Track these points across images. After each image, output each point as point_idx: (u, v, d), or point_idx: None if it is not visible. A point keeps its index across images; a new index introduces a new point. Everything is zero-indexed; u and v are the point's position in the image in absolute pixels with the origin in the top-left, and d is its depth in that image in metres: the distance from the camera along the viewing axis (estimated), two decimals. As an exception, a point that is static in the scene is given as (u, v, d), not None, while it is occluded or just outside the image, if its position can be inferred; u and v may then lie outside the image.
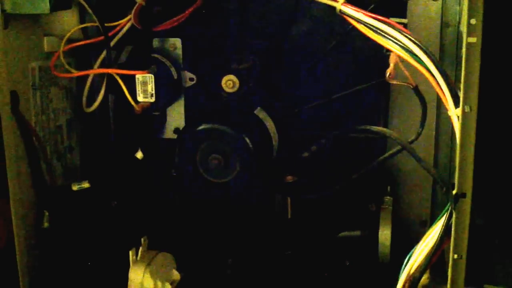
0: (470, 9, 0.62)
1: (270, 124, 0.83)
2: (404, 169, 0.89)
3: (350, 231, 0.85)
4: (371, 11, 0.73)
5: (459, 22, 0.83)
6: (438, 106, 0.85)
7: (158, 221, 0.92)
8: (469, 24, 0.61)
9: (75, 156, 0.95)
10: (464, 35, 0.62)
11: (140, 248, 0.82)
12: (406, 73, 0.70)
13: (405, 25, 0.73)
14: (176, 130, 0.89)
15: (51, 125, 0.90)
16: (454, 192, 0.65)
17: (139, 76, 0.82)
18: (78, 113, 0.94)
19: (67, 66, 0.86)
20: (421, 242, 0.68)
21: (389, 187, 0.86)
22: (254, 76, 0.83)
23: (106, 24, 0.85)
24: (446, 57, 0.83)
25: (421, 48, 0.67)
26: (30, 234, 0.84)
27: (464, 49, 0.62)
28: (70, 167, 0.94)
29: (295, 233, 0.88)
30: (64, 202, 0.87)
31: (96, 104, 0.88)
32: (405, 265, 0.69)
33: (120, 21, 0.84)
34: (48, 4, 0.77)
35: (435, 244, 0.67)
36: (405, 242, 0.74)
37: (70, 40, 0.87)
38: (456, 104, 0.65)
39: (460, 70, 0.63)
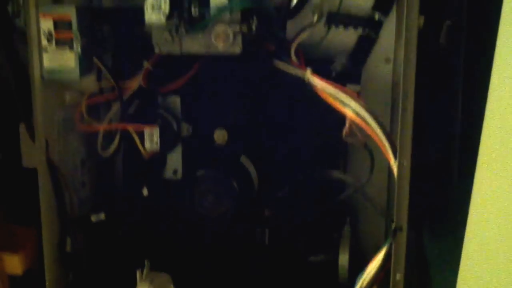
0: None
1: (252, 170, 0.99)
2: (361, 203, 1.03)
3: (316, 256, 1.00)
4: (332, 79, 0.88)
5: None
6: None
7: (159, 247, 1.05)
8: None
9: (87, 190, 1.08)
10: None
11: (145, 269, 0.94)
12: (358, 133, 0.86)
13: (358, 93, 0.89)
14: (175, 172, 1.05)
15: (70, 164, 1.04)
16: (393, 226, 0.82)
17: (147, 129, 0.99)
18: (90, 154, 1.07)
19: (88, 120, 1.00)
20: (369, 264, 0.84)
21: (348, 219, 1.00)
22: (241, 131, 0.99)
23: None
24: (396, 114, 0.93)
25: (369, 114, 0.83)
26: (56, 256, 0.98)
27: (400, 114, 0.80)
28: (83, 199, 1.07)
29: (272, 258, 1.03)
30: (84, 230, 1.02)
31: (111, 151, 1.01)
32: (357, 283, 0.84)
33: (131, 81, 0.99)
34: (78, 73, 0.93)
35: (379, 266, 0.83)
36: (362, 265, 0.87)
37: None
38: (395, 157, 0.81)
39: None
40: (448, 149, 1.02)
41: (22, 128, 1.01)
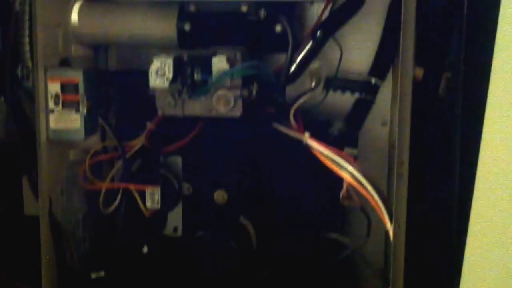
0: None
1: (251, 229, 1.01)
2: (359, 265, 1.04)
3: None
4: (330, 143, 0.90)
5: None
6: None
7: None
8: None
9: (87, 246, 1.09)
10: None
11: None
12: (355, 196, 0.89)
13: (355, 157, 0.91)
14: (175, 229, 1.06)
15: (71, 220, 1.05)
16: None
17: (149, 188, 1.01)
18: (91, 210, 1.08)
19: (92, 179, 1.02)
20: None
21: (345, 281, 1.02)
22: (240, 191, 1.01)
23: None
24: (393, 175, 0.94)
25: (366, 178, 0.85)
26: None
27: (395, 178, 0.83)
28: (83, 254, 1.07)
29: None
30: (83, 286, 1.02)
31: (112, 208, 1.03)
32: None
33: (134, 141, 1.01)
34: (83, 134, 0.95)
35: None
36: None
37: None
38: (391, 221, 0.84)
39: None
40: (446, 208, 1.04)
41: (25, 181, 1.04)
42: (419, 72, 1.01)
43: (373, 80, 0.99)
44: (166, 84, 0.91)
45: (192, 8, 0.92)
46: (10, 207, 1.14)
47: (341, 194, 0.89)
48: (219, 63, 0.90)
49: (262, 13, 0.91)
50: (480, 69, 0.85)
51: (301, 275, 1.00)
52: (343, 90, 1.00)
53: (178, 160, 1.04)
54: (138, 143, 1.01)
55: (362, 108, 1.01)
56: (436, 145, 1.04)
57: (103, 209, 1.04)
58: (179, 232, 1.06)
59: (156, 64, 0.91)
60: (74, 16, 0.99)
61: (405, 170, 0.82)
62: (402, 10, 0.80)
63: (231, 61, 0.91)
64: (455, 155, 1.02)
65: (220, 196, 1.01)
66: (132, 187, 1.01)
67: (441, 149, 1.03)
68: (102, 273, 1.03)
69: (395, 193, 0.82)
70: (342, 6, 0.94)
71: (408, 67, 0.81)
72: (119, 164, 1.04)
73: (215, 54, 0.91)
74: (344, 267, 1.03)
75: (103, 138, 1.05)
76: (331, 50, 0.97)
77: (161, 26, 0.97)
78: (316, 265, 0.99)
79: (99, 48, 1.09)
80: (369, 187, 0.85)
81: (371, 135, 1.03)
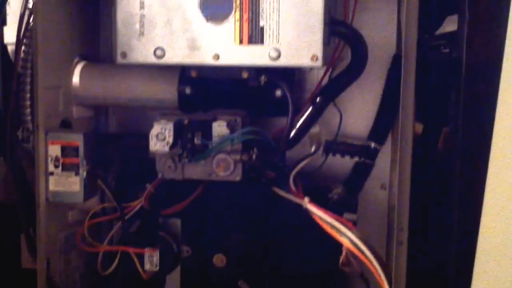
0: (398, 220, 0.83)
1: (250, 294, 1.01)
2: None
3: None
4: (329, 208, 0.90)
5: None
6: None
7: None
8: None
9: None
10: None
11: None
12: (354, 262, 0.88)
13: (354, 222, 0.92)
14: None
15: (70, 280, 1.04)
16: None
17: (148, 252, 1.00)
18: (89, 270, 1.07)
19: (91, 241, 1.02)
20: None
21: None
22: (240, 255, 1.01)
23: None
24: (392, 236, 0.95)
25: (365, 244, 0.84)
26: None
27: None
28: None
29: None
30: None
31: (111, 269, 1.02)
32: None
33: (133, 203, 1.01)
34: (82, 196, 0.96)
35: None
36: None
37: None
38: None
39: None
40: (446, 268, 1.04)
41: (22, 238, 1.04)
42: (418, 128, 1.02)
43: (373, 145, 1.00)
44: (166, 148, 0.92)
45: (193, 73, 0.94)
46: (7, 259, 1.13)
47: (341, 260, 0.88)
48: (219, 128, 0.91)
49: (263, 79, 0.92)
50: (481, 121, 0.87)
51: None
52: (343, 154, 1.01)
53: (177, 223, 1.04)
54: (137, 204, 1.01)
55: (361, 172, 1.01)
56: (435, 199, 1.04)
57: (101, 270, 1.03)
58: (178, 295, 1.06)
59: (156, 129, 0.92)
60: (76, 78, 1.01)
61: (405, 237, 0.82)
62: (402, 70, 0.81)
63: (231, 126, 0.92)
64: (453, 210, 1.02)
65: (219, 259, 1.00)
66: (130, 250, 1.00)
67: (440, 204, 1.04)
68: None
69: (394, 260, 0.82)
70: (342, 73, 0.95)
71: (408, 134, 0.82)
72: (118, 225, 1.03)
73: (215, 118, 0.93)
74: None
75: (102, 199, 1.04)
76: (330, 115, 0.99)
77: (162, 89, 0.98)
78: None
79: (100, 110, 1.10)
80: (368, 253, 0.84)
81: (370, 199, 1.03)
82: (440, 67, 1.03)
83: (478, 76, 0.93)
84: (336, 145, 1.00)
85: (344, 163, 1.02)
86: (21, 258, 1.09)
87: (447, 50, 1.11)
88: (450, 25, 1.08)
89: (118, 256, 1.02)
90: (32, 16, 0.95)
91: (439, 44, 1.12)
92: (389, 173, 1.03)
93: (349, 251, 0.87)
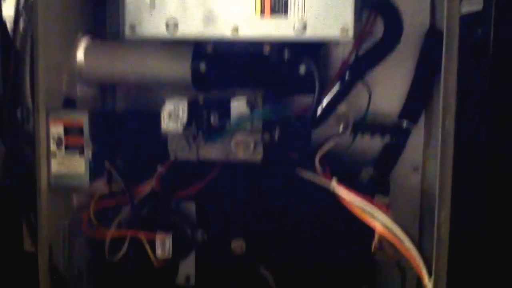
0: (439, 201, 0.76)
1: (272, 282, 0.94)
2: None
3: None
4: (359, 190, 0.84)
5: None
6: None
7: None
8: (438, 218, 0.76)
9: None
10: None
11: None
12: (387, 248, 0.82)
13: (388, 205, 0.84)
14: (187, 278, 0.99)
15: (74, 269, 0.97)
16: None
17: (159, 237, 0.93)
18: (97, 258, 1.00)
19: (97, 225, 0.94)
20: None
21: None
22: (260, 240, 0.94)
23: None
24: (426, 224, 0.93)
25: (400, 228, 0.79)
26: None
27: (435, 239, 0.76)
28: None
29: None
30: None
31: (118, 256, 0.95)
32: None
33: (143, 185, 0.94)
34: (87, 179, 0.89)
35: None
36: None
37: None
38: (429, 276, 0.77)
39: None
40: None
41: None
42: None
43: (405, 124, 0.92)
44: (180, 128, 0.85)
45: (208, 48, 0.86)
46: (9, 242, 1.08)
47: (373, 246, 0.82)
48: (239, 106, 0.84)
49: (286, 54, 0.84)
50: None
51: None
52: (372, 134, 0.93)
53: (191, 206, 0.97)
54: (147, 187, 0.94)
55: (392, 154, 0.94)
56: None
57: (109, 258, 0.97)
58: (192, 282, 0.99)
59: (169, 107, 0.85)
60: (80, 54, 0.92)
61: (446, 218, 0.75)
62: (444, 43, 0.74)
63: (251, 104, 0.85)
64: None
65: (238, 245, 0.94)
66: (141, 234, 0.94)
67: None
68: None
69: (435, 244, 0.75)
70: (374, 48, 0.87)
71: (450, 107, 0.75)
72: (126, 210, 0.96)
73: (233, 96, 0.85)
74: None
75: (110, 182, 0.96)
76: (359, 93, 0.90)
77: (174, 65, 0.89)
78: None
79: (106, 88, 1.01)
80: (405, 239, 0.78)
81: (401, 182, 0.95)
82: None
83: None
84: (365, 125, 0.92)
85: (373, 144, 0.94)
86: (24, 241, 1.03)
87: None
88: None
89: (127, 242, 0.95)
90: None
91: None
92: (422, 154, 0.95)
93: (383, 237, 0.80)
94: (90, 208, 0.95)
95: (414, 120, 0.92)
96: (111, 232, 0.95)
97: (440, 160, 0.75)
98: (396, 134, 0.93)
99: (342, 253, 0.91)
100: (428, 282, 0.77)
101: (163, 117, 0.85)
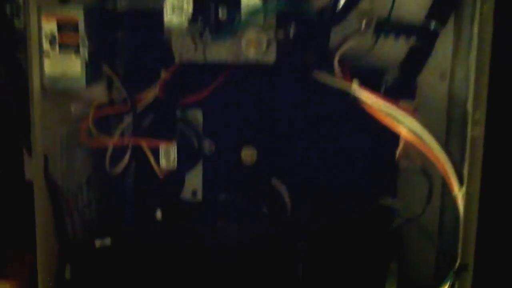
0: (475, 100, 0.69)
1: (285, 194, 0.89)
2: (409, 238, 0.92)
3: None
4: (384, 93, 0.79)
5: (466, 102, 0.84)
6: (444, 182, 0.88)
7: (173, 278, 0.95)
8: (474, 118, 0.69)
9: (92, 212, 0.98)
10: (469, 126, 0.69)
11: None
12: (414, 155, 0.76)
13: (414, 109, 0.78)
14: (194, 193, 0.94)
15: (74, 183, 0.93)
16: (457, 264, 0.71)
17: (164, 145, 0.88)
18: (98, 171, 0.97)
19: (96, 133, 0.89)
20: None
21: (395, 255, 0.90)
22: (272, 148, 0.89)
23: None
24: (452, 135, 0.87)
25: (429, 133, 0.72)
26: (52, 284, 0.88)
27: (469, 142, 0.69)
28: (87, 222, 0.97)
29: None
30: (86, 256, 0.91)
31: (120, 168, 0.91)
32: None
33: (146, 92, 0.88)
34: (84, 81, 0.82)
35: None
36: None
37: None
38: (460, 184, 0.70)
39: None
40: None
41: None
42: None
43: (433, 25, 0.83)
44: (185, 22, 0.77)
45: None
46: (9, 170, 1.03)
47: (398, 154, 0.75)
48: (250, -3, 0.77)
49: None
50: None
51: (342, 248, 0.88)
52: (397, 35, 0.85)
53: (198, 114, 0.91)
54: (151, 94, 0.88)
55: (417, 57, 0.86)
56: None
57: (109, 169, 0.92)
58: (199, 197, 0.94)
59: (172, -2, 0.77)
60: None
61: (482, 120, 0.68)
62: None
63: (264, -4, 0.77)
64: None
65: (248, 155, 0.88)
66: (143, 143, 0.88)
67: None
68: (108, 241, 0.92)
69: (468, 149, 0.68)
70: None
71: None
72: (128, 119, 0.91)
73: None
74: (394, 237, 0.91)
75: (110, 89, 0.91)
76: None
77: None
78: (361, 236, 0.88)
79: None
80: (433, 143, 0.72)
81: (426, 90, 0.88)
82: None
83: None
84: (389, 24, 0.84)
85: (397, 47, 0.86)
86: (25, 169, 0.98)
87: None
88: None
89: (129, 151, 0.90)
90: None
91: None
92: (450, 60, 0.87)
93: (408, 143, 0.74)
94: (89, 116, 0.89)
95: (442, 22, 0.84)
96: (111, 141, 0.90)
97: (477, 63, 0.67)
98: (423, 36, 0.85)
99: (363, 162, 0.86)
100: (458, 191, 0.71)
101: (166, 10, 0.77)
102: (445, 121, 0.89)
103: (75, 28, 0.81)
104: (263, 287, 0.93)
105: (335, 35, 0.84)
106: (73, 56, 0.81)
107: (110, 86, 0.91)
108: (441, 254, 0.87)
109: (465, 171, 0.69)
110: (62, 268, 0.89)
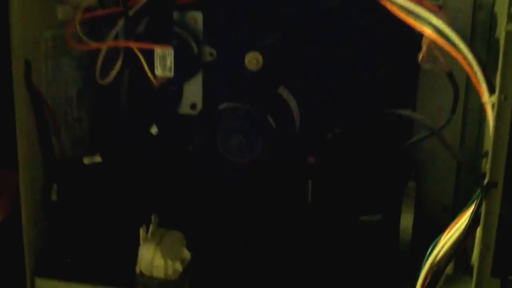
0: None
1: (293, 104, 0.82)
2: (428, 154, 0.87)
3: (370, 216, 0.84)
4: None
5: (492, 5, 0.80)
6: (466, 91, 0.83)
7: (169, 198, 0.90)
8: (509, 12, 0.60)
9: (84, 128, 0.93)
10: (503, 25, 0.60)
11: (151, 226, 0.80)
12: (440, 57, 0.68)
13: (440, 7, 0.69)
14: (193, 106, 0.87)
15: (61, 95, 0.87)
16: (485, 181, 0.63)
17: (159, 50, 0.80)
18: (88, 84, 0.91)
19: (83, 37, 0.82)
20: (447, 231, 0.66)
21: (412, 173, 0.84)
22: (278, 53, 0.82)
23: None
24: (477, 40, 0.81)
25: (456, 33, 0.64)
26: (37, 206, 0.83)
27: (503, 38, 0.60)
28: (78, 139, 0.91)
29: (314, 217, 0.87)
30: (74, 175, 0.86)
31: (112, 76, 0.85)
32: (429, 254, 0.67)
33: None
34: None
35: (462, 233, 0.65)
36: (426, 228, 0.73)
37: (85, 10, 0.83)
38: (490, 92, 0.63)
39: (491, 54, 0.63)
40: None
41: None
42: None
43: None
44: None
45: None
46: None
47: (420, 55, 0.68)
48: None
49: None
50: None
51: (355, 165, 0.83)
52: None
53: (197, 16, 0.83)
54: (144, -5, 0.82)
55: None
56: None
57: (100, 78, 0.86)
58: (198, 109, 0.87)
59: None
60: None
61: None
62: None
63: None
64: None
65: (253, 60, 0.79)
66: (134, 46, 0.81)
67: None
68: (97, 158, 0.86)
69: (502, 47, 0.60)
70: None
71: None
72: (121, 23, 0.83)
73: None
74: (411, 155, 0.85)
75: (99, -12, 0.85)
76: None
77: None
78: (376, 152, 0.81)
79: None
80: (461, 44, 0.63)
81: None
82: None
83: None
84: None
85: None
86: None
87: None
88: None
89: (121, 57, 0.83)
90: None
91: None
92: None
93: (432, 43, 0.66)
94: (76, 18, 0.81)
95: None
96: (100, 44, 0.83)
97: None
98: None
99: (380, 67, 0.78)
100: (488, 99, 0.63)
101: None
102: (470, 25, 0.82)
103: None
104: (269, 209, 0.88)
105: None
106: None
107: (99, -15, 0.84)
108: (466, 172, 0.81)
109: (498, 76, 0.61)
110: (48, 189, 0.84)
